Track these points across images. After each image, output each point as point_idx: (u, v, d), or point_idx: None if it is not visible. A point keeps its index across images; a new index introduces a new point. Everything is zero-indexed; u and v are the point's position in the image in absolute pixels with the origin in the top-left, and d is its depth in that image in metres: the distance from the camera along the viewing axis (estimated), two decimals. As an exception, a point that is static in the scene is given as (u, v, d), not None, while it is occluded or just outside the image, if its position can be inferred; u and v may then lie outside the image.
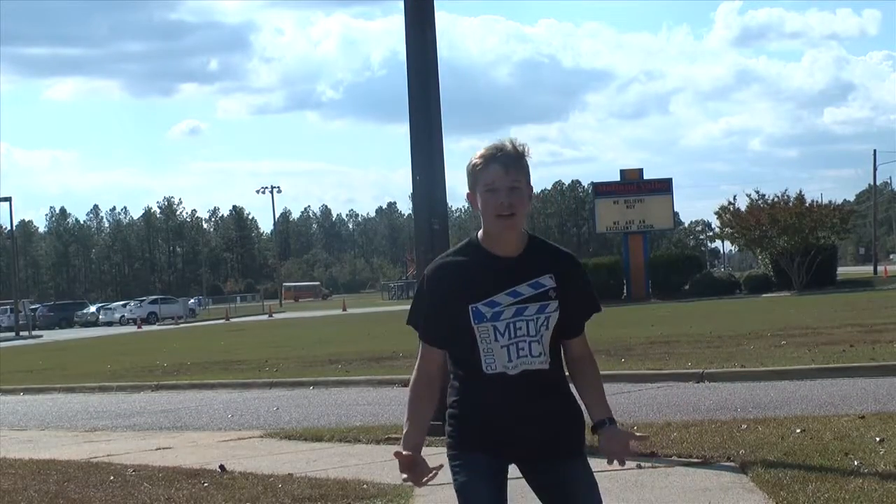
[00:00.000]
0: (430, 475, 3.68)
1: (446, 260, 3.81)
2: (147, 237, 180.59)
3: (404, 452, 3.67)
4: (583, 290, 3.79)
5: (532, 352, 3.67)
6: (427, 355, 3.77)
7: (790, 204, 49.02)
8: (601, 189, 53.89)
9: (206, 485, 8.50)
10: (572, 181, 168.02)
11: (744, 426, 9.61)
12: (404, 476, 3.72)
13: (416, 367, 3.81)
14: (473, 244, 3.79)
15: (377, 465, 9.10)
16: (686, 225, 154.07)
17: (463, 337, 3.68)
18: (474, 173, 3.73)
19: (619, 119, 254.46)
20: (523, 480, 3.80)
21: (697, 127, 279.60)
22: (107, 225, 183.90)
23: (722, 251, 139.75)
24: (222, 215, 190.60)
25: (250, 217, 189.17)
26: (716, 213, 52.59)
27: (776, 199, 49.80)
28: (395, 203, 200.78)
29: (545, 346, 3.69)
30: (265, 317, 67.39)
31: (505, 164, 3.69)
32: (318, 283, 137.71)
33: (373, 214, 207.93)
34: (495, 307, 3.66)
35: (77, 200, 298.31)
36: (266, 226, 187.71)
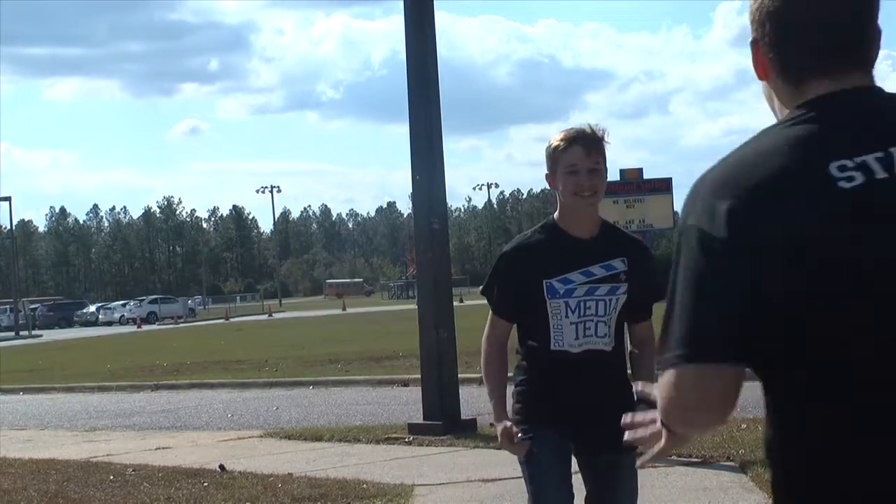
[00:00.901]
0: (525, 447, 3.83)
1: (523, 240, 3.99)
2: (147, 237, 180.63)
3: (506, 424, 3.81)
4: (651, 275, 3.96)
5: (598, 332, 3.82)
6: (496, 325, 3.96)
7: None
8: (601, 189, 53.95)
9: (205, 484, 8.50)
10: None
11: (744, 426, 9.61)
12: (508, 449, 3.90)
13: (485, 339, 3.98)
14: (550, 224, 3.95)
15: (377, 464, 9.10)
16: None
17: (535, 312, 3.85)
18: (555, 155, 3.87)
19: (619, 119, 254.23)
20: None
21: (697, 127, 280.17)
22: (106, 225, 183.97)
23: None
24: (222, 215, 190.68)
25: (250, 217, 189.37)
26: (716, 213, 52.71)
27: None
28: (394, 203, 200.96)
29: (611, 327, 3.86)
30: (265, 316, 67.38)
31: (587, 146, 3.83)
32: (361, 279, 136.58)
33: (373, 214, 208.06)
34: (568, 284, 3.83)
35: (77, 200, 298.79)
36: (266, 225, 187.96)
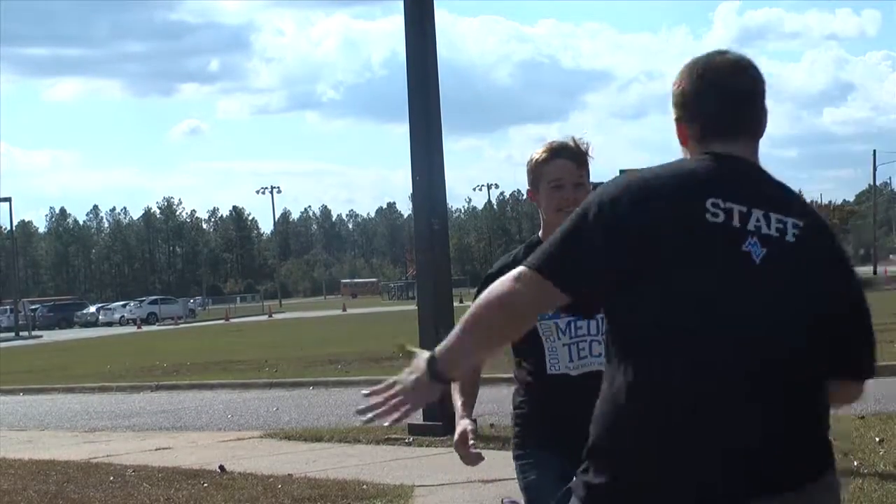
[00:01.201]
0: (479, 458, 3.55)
1: (508, 260, 3.79)
2: (147, 237, 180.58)
3: (467, 425, 3.56)
4: None
5: (592, 352, 3.66)
6: None
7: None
8: (601, 189, 53.86)
9: (205, 485, 8.49)
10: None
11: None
12: (461, 453, 3.57)
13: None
14: (535, 243, 3.74)
15: (377, 465, 9.10)
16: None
17: (527, 335, 3.71)
18: (537, 169, 3.74)
19: (619, 119, 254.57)
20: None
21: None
22: (106, 225, 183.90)
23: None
24: (222, 216, 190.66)
25: (250, 217, 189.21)
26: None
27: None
28: (394, 203, 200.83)
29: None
30: (265, 317, 67.39)
31: (571, 159, 3.71)
32: (375, 279, 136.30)
33: (373, 214, 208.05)
34: None
35: (77, 201, 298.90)
36: (266, 226, 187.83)
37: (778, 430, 2.22)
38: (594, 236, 2.23)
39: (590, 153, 3.77)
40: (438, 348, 2.35)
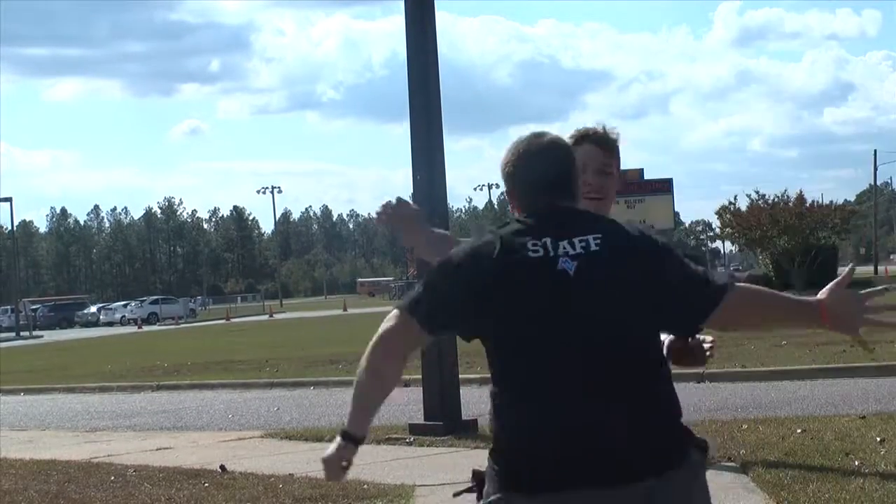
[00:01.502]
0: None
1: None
2: (147, 237, 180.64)
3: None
4: None
5: None
6: None
7: (790, 204, 48.99)
8: (602, 189, 53.73)
9: (206, 485, 8.50)
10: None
11: (744, 426, 9.62)
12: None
13: None
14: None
15: (378, 465, 9.10)
16: (687, 225, 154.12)
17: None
18: None
19: (619, 119, 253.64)
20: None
21: (698, 127, 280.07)
22: (107, 225, 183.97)
23: (723, 251, 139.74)
24: (223, 215, 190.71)
25: (251, 217, 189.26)
26: (716, 213, 52.59)
27: (776, 200, 49.75)
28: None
29: None
30: (266, 317, 67.40)
31: (598, 144, 3.53)
32: (391, 278, 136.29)
33: (373, 214, 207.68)
34: None
35: (77, 201, 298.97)
36: (267, 226, 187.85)
37: (615, 417, 2.70)
38: (447, 289, 2.85)
39: (619, 141, 3.58)
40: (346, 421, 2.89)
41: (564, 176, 3.01)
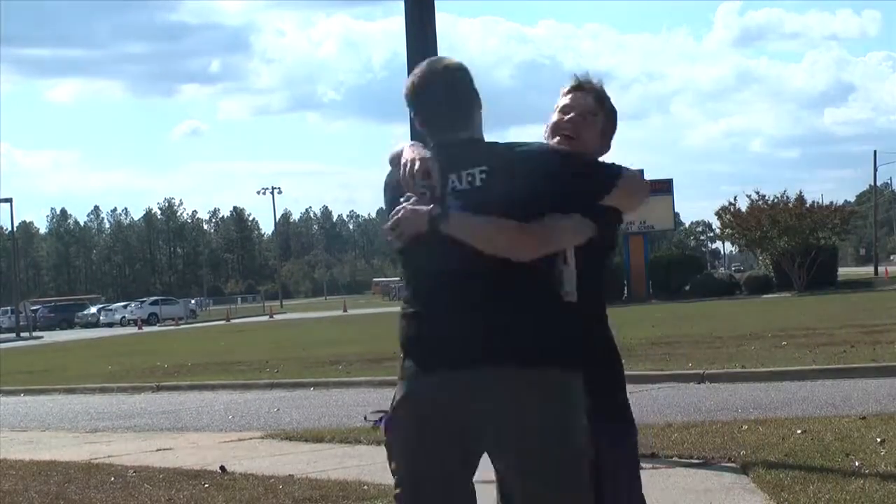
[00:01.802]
0: None
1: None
2: (148, 238, 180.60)
3: None
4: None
5: None
6: None
7: (790, 205, 48.99)
8: (602, 189, 53.62)
9: (206, 486, 8.50)
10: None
11: (745, 427, 9.61)
12: None
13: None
14: None
15: (378, 466, 9.09)
16: (687, 225, 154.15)
17: None
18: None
19: (619, 120, 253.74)
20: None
21: (698, 128, 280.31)
22: (107, 226, 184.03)
23: (723, 252, 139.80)
24: (223, 216, 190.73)
25: (251, 218, 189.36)
26: (716, 213, 52.58)
27: (776, 200, 49.75)
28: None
29: None
30: (266, 318, 67.40)
31: (586, 91, 3.65)
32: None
33: (373, 215, 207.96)
34: None
35: (78, 201, 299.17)
36: (267, 227, 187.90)
37: (479, 322, 3.23)
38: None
39: (613, 107, 3.75)
40: (455, 213, 3.23)
41: (458, 105, 3.32)
